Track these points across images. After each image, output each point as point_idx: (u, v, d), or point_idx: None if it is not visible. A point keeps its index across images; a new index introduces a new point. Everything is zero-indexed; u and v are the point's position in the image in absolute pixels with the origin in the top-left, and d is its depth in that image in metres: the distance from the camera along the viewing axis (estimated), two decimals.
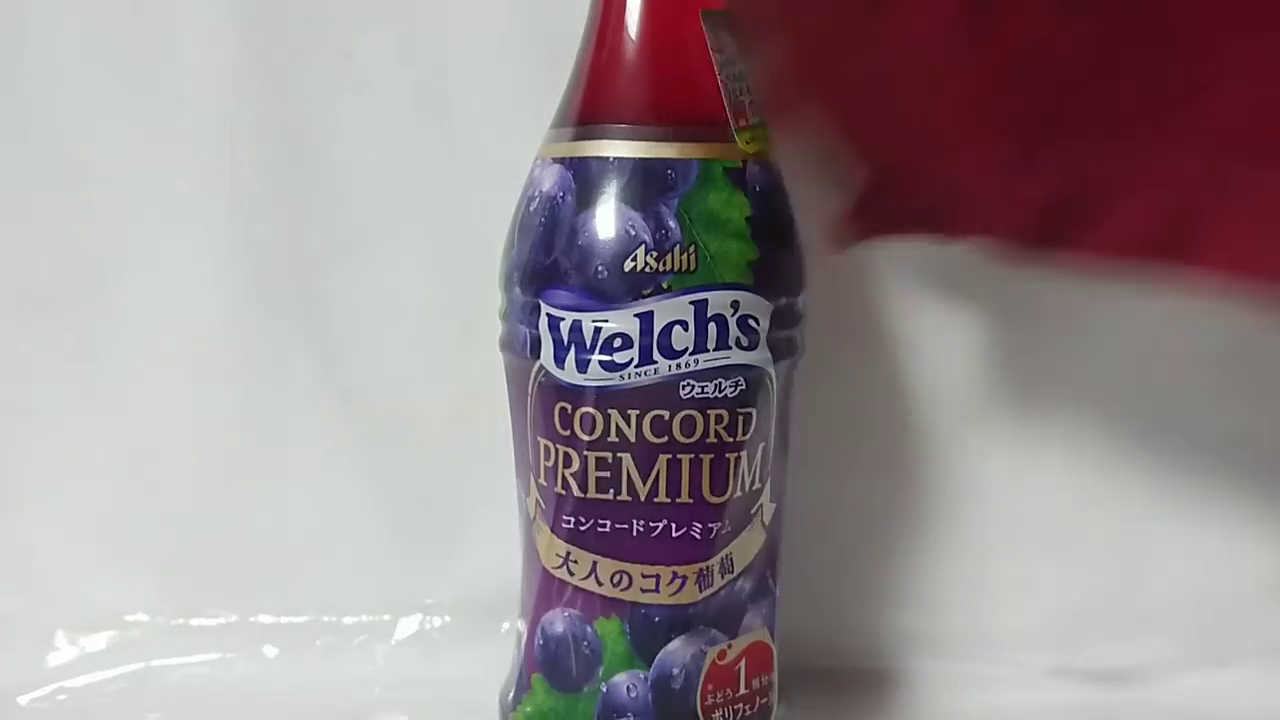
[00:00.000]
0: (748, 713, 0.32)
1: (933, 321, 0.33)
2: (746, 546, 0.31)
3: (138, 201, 0.35)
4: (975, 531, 0.34)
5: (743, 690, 0.31)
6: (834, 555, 0.36)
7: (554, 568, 0.31)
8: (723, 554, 0.30)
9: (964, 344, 0.33)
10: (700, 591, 0.30)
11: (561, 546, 0.31)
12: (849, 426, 0.35)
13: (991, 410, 0.33)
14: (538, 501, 0.31)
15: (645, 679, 0.30)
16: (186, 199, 0.35)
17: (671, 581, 0.30)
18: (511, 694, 0.33)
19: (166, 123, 0.34)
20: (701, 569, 0.30)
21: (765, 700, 0.32)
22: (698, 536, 0.30)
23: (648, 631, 0.30)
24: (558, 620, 0.31)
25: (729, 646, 0.31)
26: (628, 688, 0.31)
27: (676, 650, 0.30)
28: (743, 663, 0.31)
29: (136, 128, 0.34)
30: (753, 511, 0.30)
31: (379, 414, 0.36)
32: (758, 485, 0.30)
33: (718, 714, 0.31)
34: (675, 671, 0.31)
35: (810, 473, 0.33)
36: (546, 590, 0.31)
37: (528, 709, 0.32)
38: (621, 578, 0.30)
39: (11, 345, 0.35)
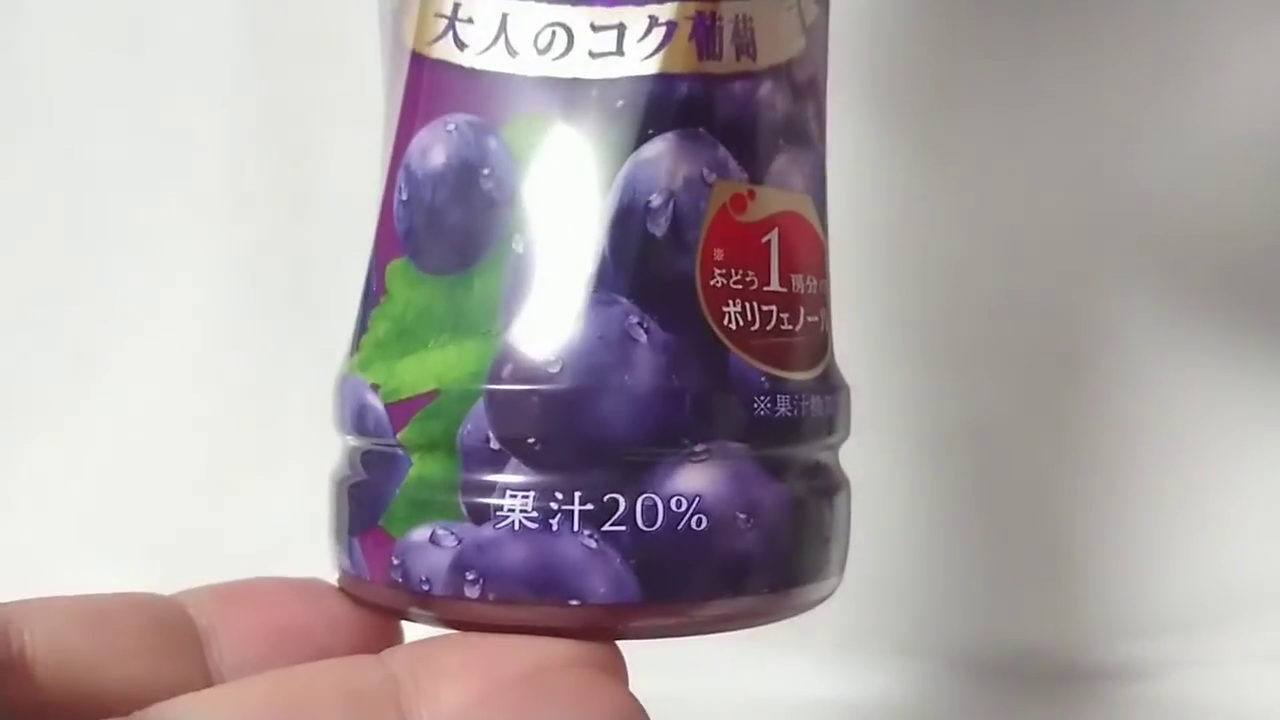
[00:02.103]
0: (786, 325, 0.17)
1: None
2: (770, 13, 0.17)
3: (137, 201, 0.35)
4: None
5: (775, 284, 0.17)
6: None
7: (431, 40, 0.17)
8: (738, 7, 0.17)
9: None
10: (699, 58, 0.17)
11: None
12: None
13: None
14: None
15: (595, 216, 0.16)
16: (186, 198, 0.35)
17: (648, 33, 0.17)
18: (353, 333, 0.18)
19: (166, 123, 0.35)
20: (700, 14, 0.17)
21: (815, 320, 0.18)
22: None
23: (604, 130, 0.16)
24: (435, 142, 0.17)
25: (751, 192, 0.17)
26: (563, 235, 0.16)
27: (659, 160, 0.16)
28: (774, 236, 0.17)
29: (136, 127, 0.35)
30: None
31: None
32: None
33: (731, 307, 0.17)
34: (655, 200, 0.16)
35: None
36: (415, 96, 0.17)
37: (380, 328, 0.17)
38: (554, 35, 0.17)
39: (11, 345, 0.35)
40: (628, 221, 0.16)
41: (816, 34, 0.19)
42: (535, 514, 0.16)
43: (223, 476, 0.35)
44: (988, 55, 0.31)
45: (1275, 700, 0.30)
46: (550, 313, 0.16)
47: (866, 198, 0.31)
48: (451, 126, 0.17)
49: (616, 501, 0.15)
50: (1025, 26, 0.31)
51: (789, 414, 0.17)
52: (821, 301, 0.18)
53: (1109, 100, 0.31)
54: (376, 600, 0.17)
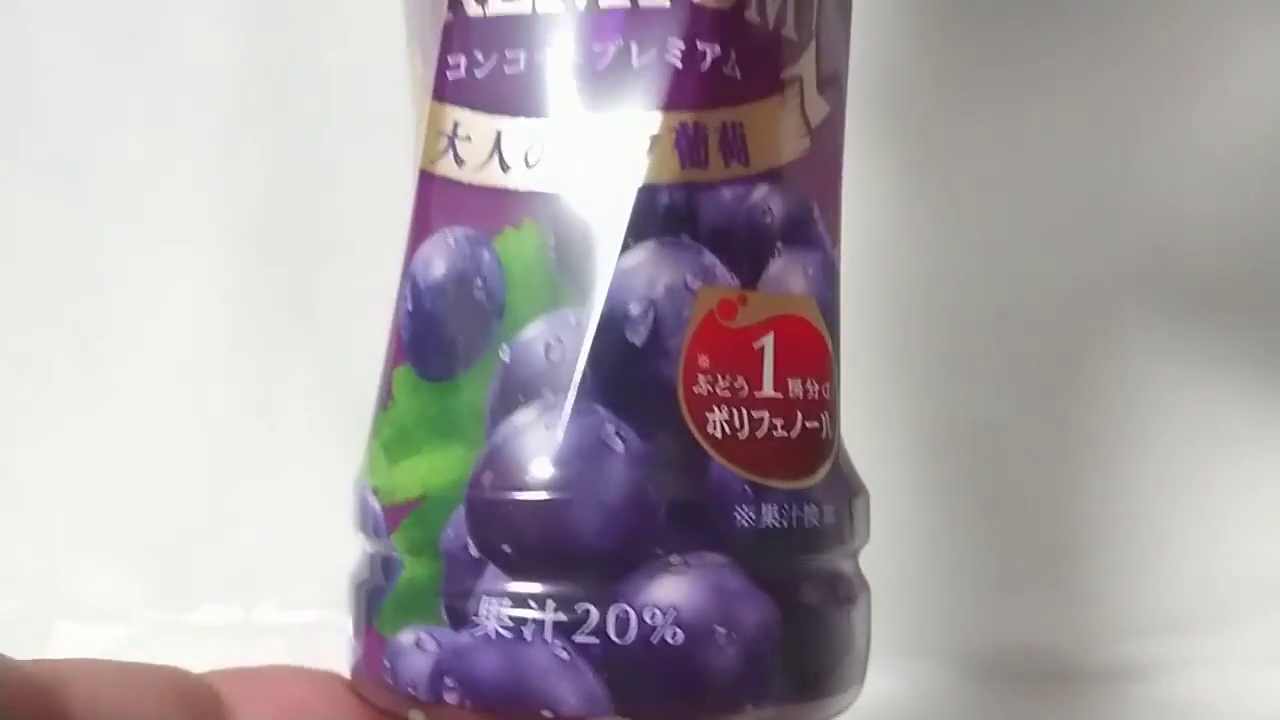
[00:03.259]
0: (780, 432, 0.17)
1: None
2: (764, 118, 0.17)
3: (137, 201, 0.35)
4: None
5: (768, 390, 0.17)
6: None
7: (435, 158, 0.18)
8: (725, 115, 0.17)
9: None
10: (683, 167, 0.17)
11: (448, 115, 0.18)
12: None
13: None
14: (420, 60, 0.19)
15: (580, 326, 0.16)
16: (186, 198, 0.35)
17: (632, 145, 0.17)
18: (368, 437, 0.19)
19: (166, 122, 0.35)
20: (684, 125, 0.17)
21: (815, 426, 0.17)
22: (678, 63, 0.17)
23: (586, 239, 0.17)
24: (436, 255, 0.18)
25: (742, 297, 0.17)
26: (547, 345, 0.16)
27: (639, 268, 0.17)
28: (769, 340, 0.17)
29: (136, 127, 0.35)
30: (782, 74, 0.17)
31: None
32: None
33: (717, 414, 0.16)
34: (634, 309, 0.16)
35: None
36: (423, 211, 0.18)
37: (384, 433, 0.18)
38: (541, 150, 0.17)
39: (11, 344, 0.35)
40: (608, 332, 0.16)
41: (826, 133, 0.19)
42: (510, 622, 0.16)
43: (222, 477, 0.35)
44: (989, 61, 0.31)
45: (1275, 700, 0.30)
46: (530, 422, 0.16)
47: (868, 203, 0.30)
48: (451, 240, 0.17)
49: (588, 612, 0.15)
50: (1027, 33, 0.31)
51: (778, 523, 0.16)
52: (824, 405, 0.18)
53: (1111, 106, 0.31)
54: (374, 699, 0.17)
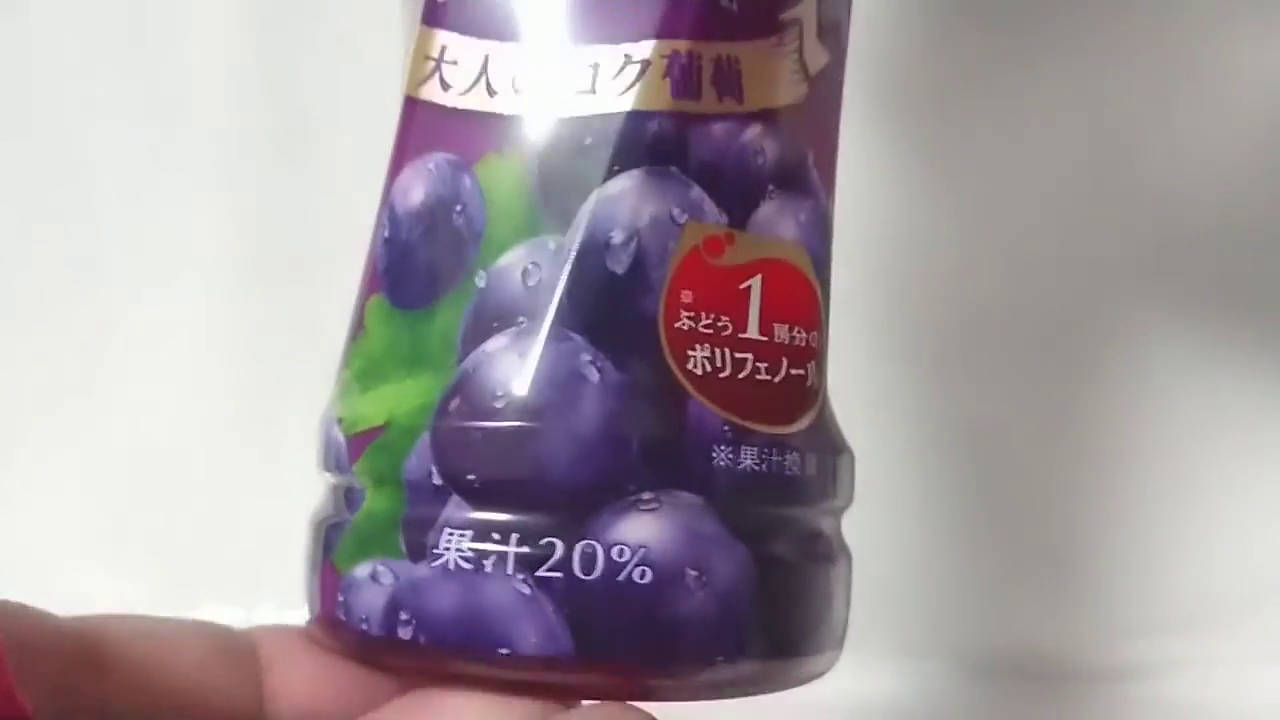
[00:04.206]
0: (763, 375, 0.16)
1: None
2: (761, 57, 0.17)
3: (138, 203, 0.35)
4: None
5: (753, 332, 0.16)
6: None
7: (420, 82, 0.17)
8: (721, 48, 0.17)
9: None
10: (674, 96, 0.16)
11: (435, 40, 0.17)
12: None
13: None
14: None
15: (561, 252, 0.16)
16: (186, 198, 0.35)
17: (621, 71, 0.16)
18: (337, 370, 0.18)
19: (166, 122, 0.34)
20: (677, 53, 0.16)
21: (800, 373, 0.17)
22: None
23: (570, 166, 0.16)
24: (416, 181, 0.17)
25: (730, 236, 0.16)
26: (524, 270, 0.16)
27: (623, 197, 0.16)
28: (756, 282, 0.16)
29: (136, 127, 0.34)
30: None
31: None
32: None
33: (698, 351, 0.16)
34: (616, 237, 0.16)
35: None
36: (405, 137, 0.18)
37: (354, 364, 0.17)
38: (529, 74, 0.17)
39: (11, 344, 0.35)
40: (587, 258, 0.16)
41: (824, 83, 0.18)
42: (470, 554, 0.15)
43: (223, 477, 0.35)
44: (992, 60, 0.31)
45: (1275, 700, 0.30)
46: (502, 348, 0.15)
47: (870, 202, 0.30)
48: (431, 165, 0.17)
49: (553, 546, 0.15)
50: (1029, 32, 0.31)
51: (756, 467, 0.16)
52: (811, 355, 0.17)
53: (1113, 104, 0.31)
54: (327, 640, 0.17)
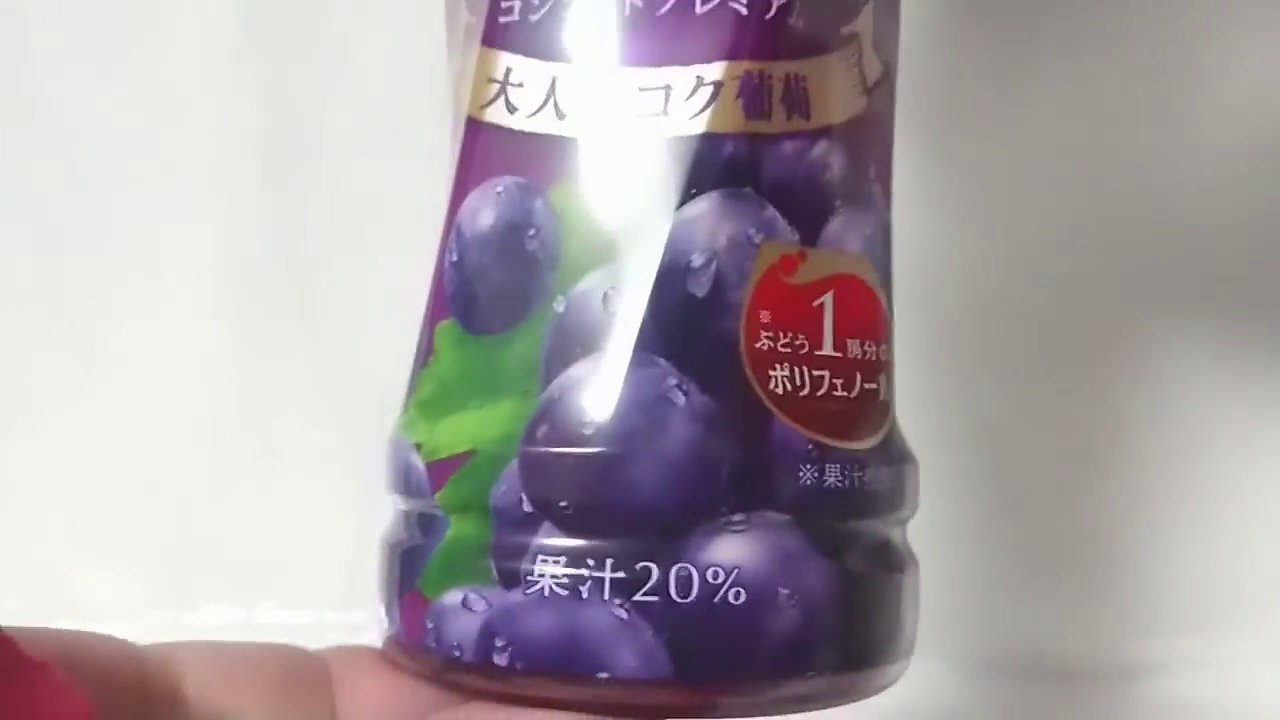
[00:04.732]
0: (840, 391, 0.16)
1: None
2: (826, 73, 0.17)
3: (137, 202, 0.35)
4: None
5: (828, 349, 0.16)
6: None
7: (484, 105, 0.17)
8: (789, 66, 0.17)
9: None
10: (747, 117, 0.16)
11: (500, 61, 0.17)
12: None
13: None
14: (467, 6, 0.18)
15: (641, 277, 0.16)
16: (186, 198, 0.34)
17: (693, 94, 0.16)
18: (405, 394, 0.18)
19: (166, 122, 0.34)
20: (748, 74, 0.16)
21: (873, 388, 0.17)
22: (743, 10, 0.16)
23: (645, 190, 0.16)
24: (484, 205, 0.17)
25: (802, 253, 0.17)
26: (605, 296, 0.16)
27: (701, 220, 0.16)
28: (828, 299, 0.17)
29: (136, 127, 0.34)
30: None
31: (379, 411, 0.30)
32: None
33: (778, 371, 0.16)
34: (696, 260, 0.16)
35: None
36: (469, 160, 0.18)
37: (425, 388, 0.17)
38: (599, 97, 0.17)
39: (11, 344, 0.35)
40: (668, 282, 0.16)
41: (881, 94, 0.18)
42: (565, 580, 0.15)
43: (223, 477, 0.35)
44: (993, 61, 0.31)
45: (1275, 700, 0.30)
46: (588, 374, 0.16)
47: None
48: (500, 189, 0.17)
49: (649, 570, 0.15)
50: (1030, 33, 0.31)
51: (840, 484, 0.16)
52: (881, 368, 0.17)
53: (1113, 104, 0.31)
54: (413, 665, 0.17)
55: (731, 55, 0.16)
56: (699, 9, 0.16)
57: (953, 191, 0.32)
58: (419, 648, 0.16)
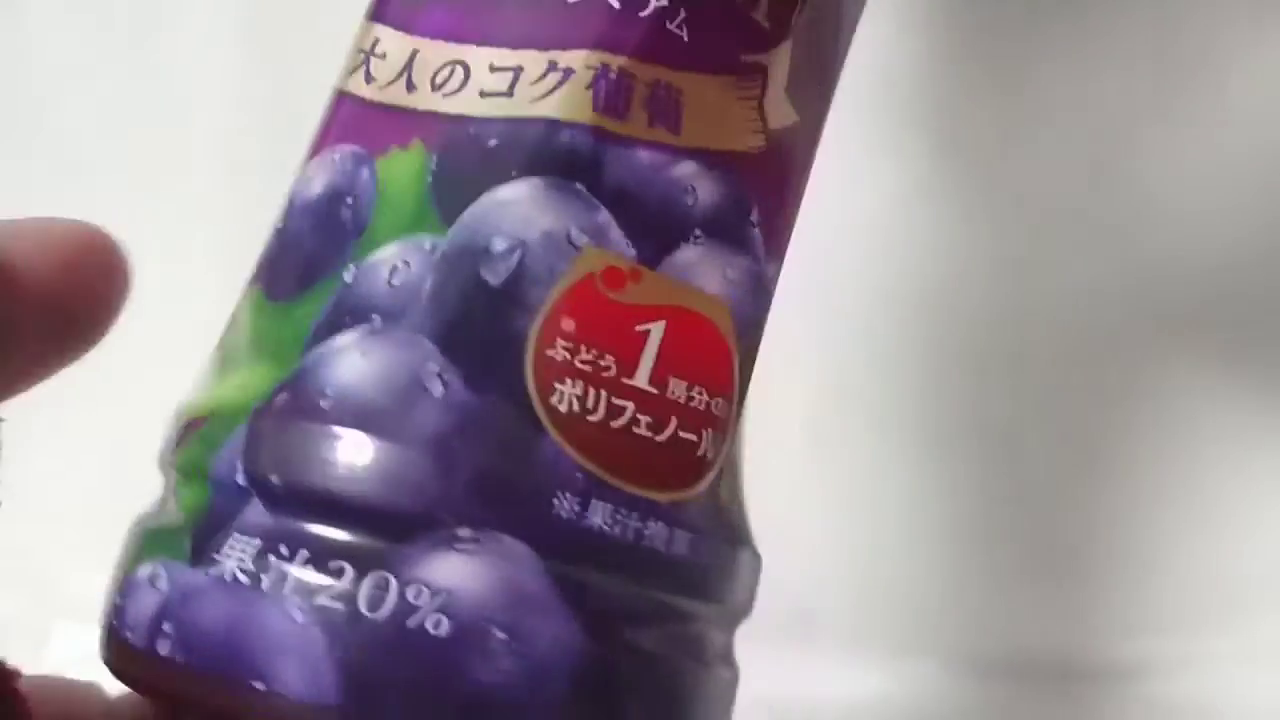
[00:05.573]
0: (642, 430, 0.14)
1: None
2: (708, 93, 0.15)
3: (137, 202, 0.34)
4: None
5: (641, 381, 0.14)
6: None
7: (349, 75, 0.16)
8: (661, 73, 0.15)
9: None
10: (595, 110, 0.15)
11: (372, 33, 0.16)
12: None
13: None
14: None
15: (432, 250, 0.14)
16: (186, 198, 0.34)
17: (542, 78, 0.15)
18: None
19: (166, 122, 0.34)
20: (606, 66, 0.15)
21: (691, 439, 0.14)
22: (615, 3, 0.15)
23: (468, 167, 0.14)
24: (318, 173, 0.16)
25: (636, 272, 0.14)
26: (393, 269, 0.14)
27: (515, 203, 0.14)
28: (658, 328, 0.14)
29: (136, 127, 0.34)
30: None
31: None
32: None
33: (567, 386, 0.14)
34: (497, 245, 0.14)
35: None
36: (322, 129, 0.16)
37: (215, 355, 0.16)
38: (452, 72, 0.15)
39: None
40: (459, 263, 0.14)
41: (787, 142, 0.16)
42: (250, 567, 0.13)
43: None
44: (992, 66, 0.31)
45: (1275, 700, 0.30)
46: (346, 346, 0.14)
47: (877, 206, 0.31)
48: (336, 156, 0.16)
49: (341, 571, 0.12)
50: (1031, 38, 0.31)
51: (609, 530, 0.13)
52: (710, 421, 0.15)
53: (1114, 111, 0.31)
54: (106, 658, 0.14)
55: (595, 46, 0.15)
56: None
57: (955, 196, 0.32)
58: (106, 630, 0.14)
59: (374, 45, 0.16)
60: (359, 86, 0.16)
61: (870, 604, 0.32)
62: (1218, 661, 0.31)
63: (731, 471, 0.16)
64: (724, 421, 0.15)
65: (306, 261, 0.15)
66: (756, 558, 0.15)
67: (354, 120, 0.16)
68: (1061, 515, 0.32)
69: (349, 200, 0.15)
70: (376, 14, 0.16)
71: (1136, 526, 0.32)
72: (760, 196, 0.16)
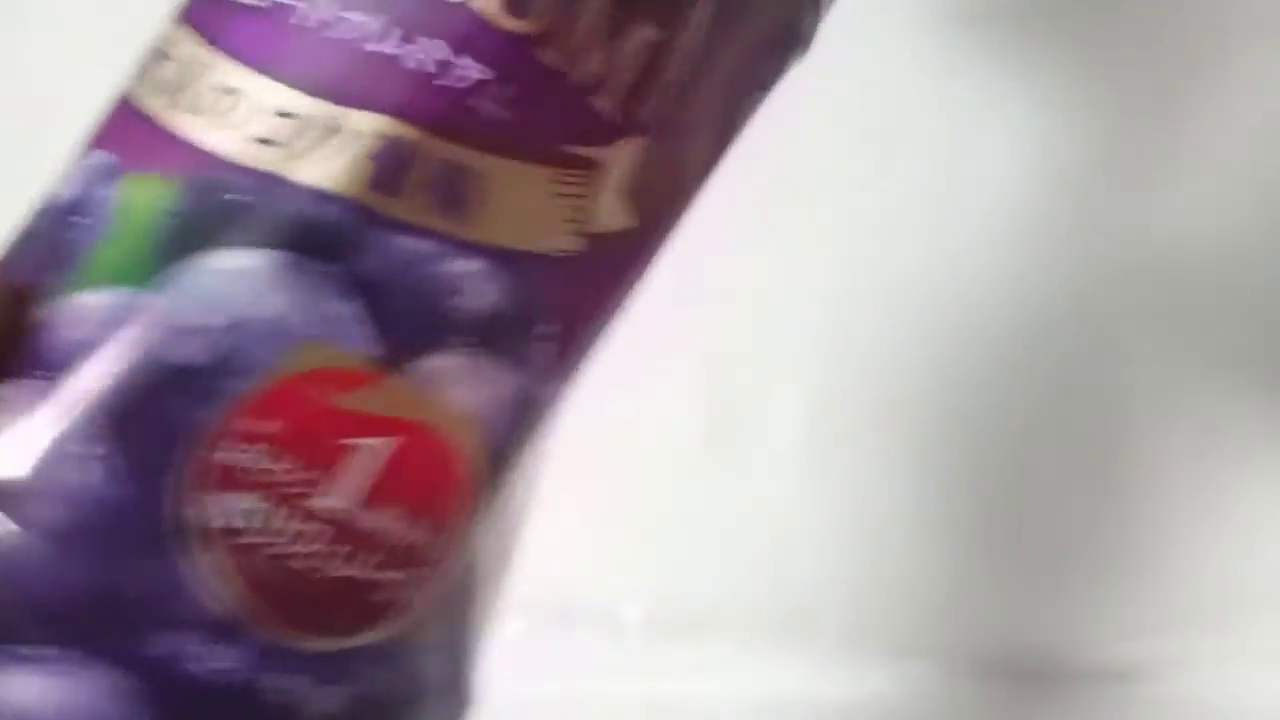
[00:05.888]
0: (305, 561, 0.12)
1: None
2: (518, 183, 0.13)
3: None
4: None
5: (331, 505, 0.12)
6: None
7: (134, 77, 0.14)
8: (458, 153, 0.13)
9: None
10: (367, 184, 0.13)
11: (171, 37, 0.14)
12: None
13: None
14: None
15: (127, 310, 0.12)
16: None
17: (320, 137, 0.13)
18: None
19: None
20: (391, 137, 0.13)
21: (373, 579, 0.12)
22: (423, 68, 0.13)
23: (210, 219, 0.12)
24: (67, 175, 0.14)
25: (375, 374, 0.12)
26: (86, 319, 0.12)
27: (237, 275, 0.12)
28: (380, 446, 0.12)
29: None
30: None
31: None
32: None
33: (233, 499, 0.12)
34: (205, 320, 0.12)
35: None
36: (95, 129, 0.15)
37: None
38: (233, 102, 0.13)
39: None
40: (155, 329, 0.12)
41: (613, 252, 0.14)
42: None
43: None
44: (990, 69, 0.32)
45: (1275, 700, 0.31)
46: (10, 398, 0.12)
47: (871, 205, 0.31)
48: (89, 162, 0.14)
49: None
50: (1030, 40, 0.31)
51: (223, 676, 0.11)
52: (415, 561, 0.13)
53: (1115, 115, 0.31)
54: None
55: (392, 111, 0.13)
56: (368, 45, 0.13)
57: (954, 196, 0.32)
58: None
59: (168, 47, 0.14)
60: (134, 90, 0.14)
61: (870, 604, 0.33)
62: (1218, 661, 0.31)
63: (449, 615, 0.14)
64: (432, 564, 0.13)
65: (30, 276, 0.13)
66: (460, 707, 0.14)
67: (121, 125, 0.14)
68: (1061, 515, 0.33)
69: (81, 221, 0.13)
70: (183, 18, 0.14)
71: (1136, 527, 0.33)
72: (560, 306, 0.14)
